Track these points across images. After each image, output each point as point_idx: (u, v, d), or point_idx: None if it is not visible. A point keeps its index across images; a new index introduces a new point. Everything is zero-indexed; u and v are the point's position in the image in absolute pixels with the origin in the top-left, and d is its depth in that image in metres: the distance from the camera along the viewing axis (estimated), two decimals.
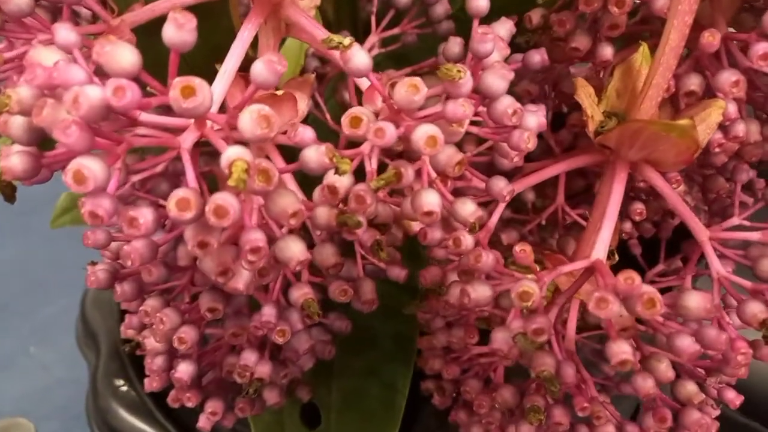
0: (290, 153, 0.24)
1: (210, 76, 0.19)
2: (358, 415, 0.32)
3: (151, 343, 0.24)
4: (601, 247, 0.21)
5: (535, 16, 0.25)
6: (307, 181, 0.21)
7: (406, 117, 0.19)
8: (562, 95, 0.27)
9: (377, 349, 0.33)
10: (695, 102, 0.23)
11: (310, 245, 0.21)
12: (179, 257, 0.21)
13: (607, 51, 0.24)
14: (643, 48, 0.23)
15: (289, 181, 0.22)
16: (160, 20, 0.24)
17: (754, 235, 0.24)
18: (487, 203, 0.24)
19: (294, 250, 0.18)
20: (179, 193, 0.15)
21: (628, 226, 0.30)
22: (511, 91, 0.19)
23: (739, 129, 0.23)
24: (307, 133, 0.18)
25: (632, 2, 0.22)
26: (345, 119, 0.18)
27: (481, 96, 0.19)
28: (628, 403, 0.39)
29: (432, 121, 0.18)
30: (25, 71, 0.16)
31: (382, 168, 0.23)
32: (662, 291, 0.19)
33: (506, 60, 0.21)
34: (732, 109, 0.23)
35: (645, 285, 0.17)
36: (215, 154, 0.30)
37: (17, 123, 0.16)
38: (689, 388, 0.23)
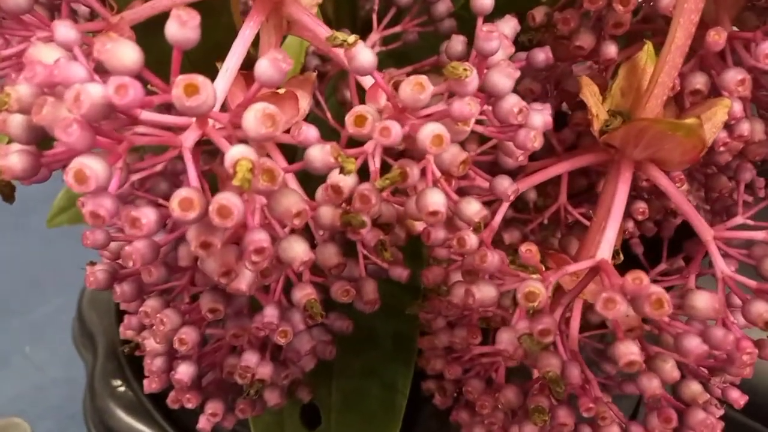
0: (287, 151, 0.24)
1: (210, 74, 0.19)
2: (358, 415, 0.32)
3: (150, 344, 0.24)
4: (606, 246, 0.21)
5: (539, 14, 0.25)
6: (305, 179, 0.21)
7: (410, 116, 0.18)
8: (565, 94, 0.27)
9: (378, 349, 0.33)
10: (700, 101, 0.23)
11: (311, 245, 0.21)
12: (180, 257, 0.20)
13: (611, 49, 0.24)
14: (648, 46, 0.23)
15: (291, 180, 0.22)
16: (160, 17, 0.24)
17: (759, 235, 0.24)
18: (489, 202, 0.24)
19: (297, 250, 0.18)
20: (182, 192, 0.15)
21: (630, 225, 0.30)
22: (513, 90, 0.19)
23: (744, 128, 0.23)
24: (311, 132, 0.17)
25: (637, 0, 0.22)
26: (350, 118, 0.17)
27: (486, 95, 0.19)
28: (627, 403, 0.39)
29: (438, 119, 0.18)
30: (25, 69, 0.15)
31: (383, 167, 0.23)
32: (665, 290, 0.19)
33: (510, 59, 0.21)
34: (737, 107, 0.22)
35: (653, 285, 0.17)
36: (214, 153, 0.30)
37: (16, 121, 0.16)
38: (693, 387, 0.23)
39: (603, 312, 0.17)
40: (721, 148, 0.24)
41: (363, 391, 0.32)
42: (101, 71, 0.16)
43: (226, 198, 0.15)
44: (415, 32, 0.31)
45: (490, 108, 0.20)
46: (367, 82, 0.21)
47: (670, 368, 0.21)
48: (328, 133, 0.29)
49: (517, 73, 0.18)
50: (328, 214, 0.19)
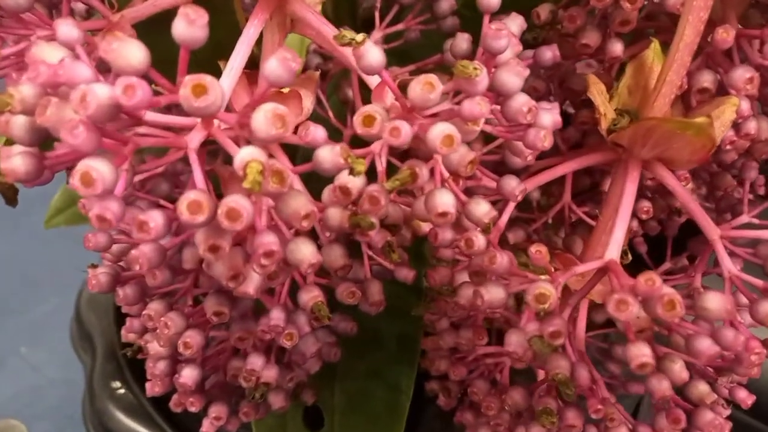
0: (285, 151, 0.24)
1: (213, 74, 0.19)
2: (362, 417, 0.32)
3: (154, 347, 0.24)
4: (614, 247, 0.21)
5: (544, 11, 0.25)
6: (306, 178, 0.21)
7: (418, 115, 0.18)
8: (569, 92, 0.27)
9: (381, 351, 0.33)
10: (708, 99, 0.23)
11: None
12: (184, 260, 0.20)
13: (617, 47, 0.24)
14: (655, 44, 0.23)
15: (296, 181, 0.21)
16: (162, 15, 0.23)
17: (766, 234, 0.23)
18: (493, 202, 0.24)
19: (305, 252, 0.17)
20: (190, 195, 0.14)
21: (634, 224, 0.30)
22: None
23: (751, 126, 0.23)
24: (318, 132, 0.17)
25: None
26: (358, 118, 0.17)
27: (494, 93, 0.19)
28: (628, 402, 0.39)
29: (447, 119, 0.17)
30: (28, 69, 0.15)
31: (387, 167, 0.23)
32: None
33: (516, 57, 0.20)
34: (745, 106, 0.22)
35: (665, 286, 0.17)
36: (215, 153, 0.30)
37: (19, 123, 0.15)
38: (701, 388, 0.23)
39: (615, 314, 0.17)
40: (728, 147, 0.24)
41: (366, 392, 0.32)
42: (102, 70, 0.16)
43: (235, 201, 0.15)
44: (416, 30, 0.31)
45: (496, 107, 0.19)
46: (373, 81, 0.21)
47: (679, 369, 0.20)
48: (331, 133, 0.29)
49: (527, 72, 0.18)
50: (336, 215, 0.18)
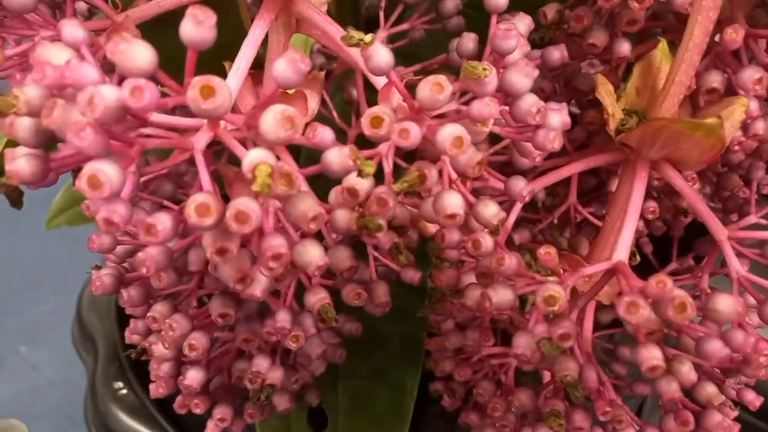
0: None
1: (217, 74, 0.19)
2: (366, 418, 0.32)
3: (158, 349, 0.24)
4: (623, 248, 0.21)
5: (550, 11, 0.25)
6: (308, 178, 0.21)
7: (426, 116, 0.18)
8: (575, 92, 0.26)
9: (384, 351, 0.33)
10: (716, 99, 0.23)
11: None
12: (190, 262, 0.20)
13: (624, 47, 0.24)
14: (662, 44, 0.23)
15: (303, 183, 0.21)
16: (166, 16, 0.23)
17: None
18: (499, 203, 0.24)
19: (312, 254, 0.17)
20: (198, 198, 0.14)
21: (639, 224, 0.30)
22: None
23: (760, 127, 0.23)
24: (326, 134, 0.17)
25: None
26: (366, 119, 0.17)
27: (503, 94, 0.19)
28: (632, 402, 0.39)
29: (456, 120, 0.17)
30: (33, 70, 0.15)
31: (393, 168, 0.22)
32: None
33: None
34: (754, 106, 0.22)
35: (676, 288, 0.17)
36: (219, 154, 0.30)
37: (24, 124, 0.15)
38: (709, 389, 0.23)
39: (626, 316, 0.17)
40: (736, 147, 0.24)
41: (370, 392, 0.32)
42: (105, 70, 0.16)
43: (244, 203, 0.14)
44: (421, 30, 0.30)
45: (504, 108, 0.19)
46: (379, 81, 0.20)
47: (687, 371, 0.20)
48: (335, 133, 0.29)
49: (536, 72, 0.18)
50: (344, 217, 0.18)
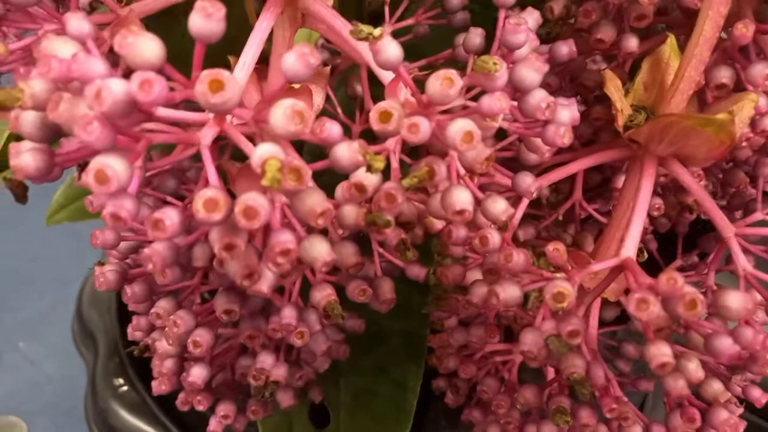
0: None
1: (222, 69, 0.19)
2: (368, 415, 0.32)
3: (162, 345, 0.23)
4: (631, 244, 0.21)
5: (557, 6, 0.24)
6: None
7: (435, 111, 0.18)
8: (581, 88, 0.26)
9: (386, 347, 0.32)
10: (725, 95, 0.23)
11: None
12: (195, 257, 0.20)
13: (632, 42, 0.24)
14: (671, 40, 0.23)
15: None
16: (169, 9, 0.23)
17: None
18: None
19: (320, 250, 0.17)
20: (207, 193, 0.14)
21: (644, 221, 0.29)
22: None
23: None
24: (334, 129, 0.17)
25: None
26: (374, 114, 0.17)
27: (511, 89, 0.19)
28: (634, 399, 0.39)
29: (466, 115, 0.17)
30: (39, 63, 0.15)
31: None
32: None
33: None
34: (764, 102, 0.22)
35: (687, 285, 0.17)
36: (221, 150, 0.29)
37: (30, 119, 0.15)
38: (715, 386, 0.23)
39: (636, 313, 0.17)
40: (743, 144, 0.23)
41: (372, 389, 0.32)
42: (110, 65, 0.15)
43: (253, 198, 0.14)
44: (426, 25, 0.30)
45: (512, 103, 0.19)
46: (386, 76, 0.20)
47: (695, 368, 0.20)
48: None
49: (546, 67, 0.18)
50: (351, 213, 0.18)
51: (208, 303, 0.24)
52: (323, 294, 0.21)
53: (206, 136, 0.16)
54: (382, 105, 0.17)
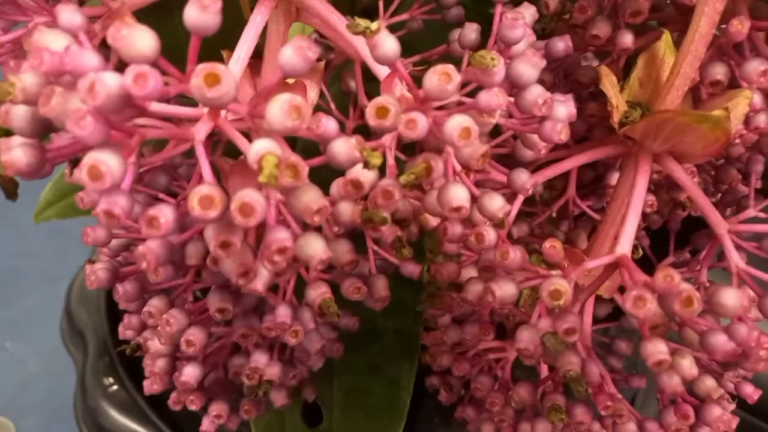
0: None
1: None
2: (361, 413, 0.32)
3: (154, 345, 0.23)
4: (626, 241, 0.21)
5: (552, 2, 0.24)
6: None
7: (431, 107, 0.18)
8: (576, 84, 0.26)
9: (379, 345, 0.32)
10: (719, 92, 0.23)
11: None
12: (188, 255, 0.19)
13: (627, 38, 0.24)
14: (666, 36, 0.23)
15: None
16: (164, 1, 0.22)
17: None
18: None
19: (315, 248, 0.17)
20: (202, 190, 0.14)
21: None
22: None
23: (762, 120, 0.23)
24: (330, 124, 0.16)
25: None
26: (370, 109, 0.17)
27: (508, 85, 0.18)
28: (625, 395, 0.39)
29: (463, 111, 0.17)
30: (30, 56, 0.14)
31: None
32: None
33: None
34: (758, 99, 0.22)
35: (683, 283, 0.17)
36: (215, 144, 0.29)
37: (20, 113, 0.15)
38: (708, 383, 0.23)
39: (632, 311, 0.17)
40: (736, 140, 0.24)
41: (365, 388, 0.32)
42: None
43: (249, 195, 0.14)
44: (419, 20, 0.30)
45: (509, 99, 0.19)
46: (382, 71, 0.20)
47: (689, 365, 0.20)
48: None
49: (543, 63, 0.18)
50: (348, 210, 0.18)
51: (200, 301, 0.24)
52: (318, 292, 0.21)
53: (200, 132, 0.16)
54: (379, 100, 0.17)
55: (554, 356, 0.20)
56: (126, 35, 0.13)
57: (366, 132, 0.30)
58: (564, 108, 0.19)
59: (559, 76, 0.28)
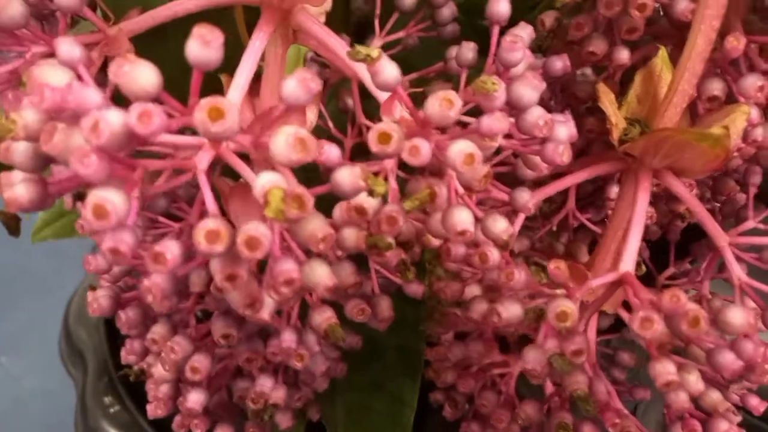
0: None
1: (215, 88, 0.18)
2: (365, 430, 0.31)
3: (158, 370, 0.23)
4: (629, 258, 0.21)
5: (548, 19, 0.24)
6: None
7: (433, 131, 0.18)
8: (573, 99, 0.26)
9: (381, 362, 0.32)
10: (716, 107, 0.23)
11: None
12: (192, 283, 0.19)
13: (623, 54, 0.24)
14: (662, 52, 0.23)
15: None
16: (160, 27, 0.22)
17: None
18: None
19: (321, 274, 0.17)
20: (208, 224, 0.14)
21: None
22: None
23: (759, 133, 0.23)
24: (333, 151, 0.16)
25: (653, 6, 0.22)
26: (373, 135, 0.17)
27: (508, 107, 0.18)
28: (627, 405, 0.39)
29: (465, 136, 0.17)
30: (31, 92, 0.14)
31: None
32: None
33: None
34: (755, 114, 0.22)
35: (689, 302, 0.17)
36: (213, 164, 0.29)
37: (21, 149, 0.15)
38: (713, 396, 0.23)
39: (640, 332, 0.17)
40: (735, 154, 0.24)
41: (368, 405, 0.32)
42: (99, 84, 0.15)
43: (255, 229, 0.14)
44: (415, 37, 0.30)
45: (511, 120, 0.19)
46: (382, 94, 0.20)
47: (695, 380, 0.20)
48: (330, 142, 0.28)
49: (543, 85, 0.18)
50: (352, 236, 0.18)
51: (202, 323, 0.24)
52: (324, 317, 0.20)
53: (202, 161, 0.16)
54: (381, 127, 0.17)
55: (561, 375, 0.20)
56: (128, 71, 0.13)
57: (364, 150, 0.30)
58: (565, 129, 0.19)
59: (555, 90, 0.28)
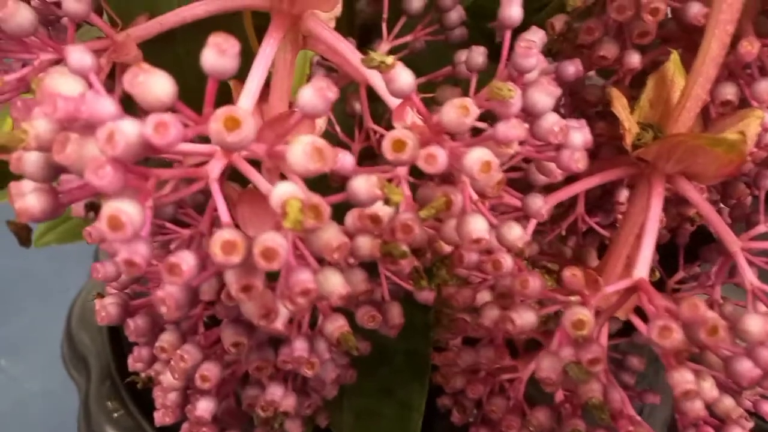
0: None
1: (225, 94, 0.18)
2: None
3: (166, 378, 0.23)
4: (643, 265, 0.20)
5: (558, 23, 0.24)
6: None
7: (446, 137, 0.17)
8: (582, 103, 0.26)
9: (389, 367, 0.32)
10: (729, 111, 0.22)
11: None
12: (202, 292, 0.19)
13: (634, 58, 0.24)
14: (674, 56, 0.22)
15: None
16: (168, 32, 0.22)
17: None
18: None
19: (335, 283, 0.16)
20: (224, 235, 0.14)
21: None
22: None
23: None
24: (347, 159, 0.16)
25: (666, 10, 0.21)
26: (387, 143, 0.16)
27: (523, 113, 0.18)
28: (634, 406, 0.39)
29: (481, 143, 0.17)
30: (42, 101, 0.14)
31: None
32: None
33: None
34: None
35: (708, 311, 0.17)
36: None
37: (32, 159, 0.14)
38: (727, 402, 0.23)
39: (659, 341, 0.17)
40: (747, 158, 0.23)
41: (377, 410, 0.31)
42: (107, 90, 0.15)
43: (272, 239, 0.14)
44: (422, 41, 0.30)
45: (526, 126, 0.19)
46: (394, 101, 0.20)
47: (710, 387, 0.20)
48: (338, 146, 0.28)
49: (559, 91, 0.17)
50: (366, 245, 0.18)
51: (210, 329, 0.23)
52: (336, 326, 0.20)
53: (215, 170, 0.16)
54: (396, 134, 0.17)
55: (575, 383, 0.20)
56: (143, 81, 0.13)
57: (372, 153, 0.30)
58: (580, 135, 0.18)
59: (565, 94, 0.28)
